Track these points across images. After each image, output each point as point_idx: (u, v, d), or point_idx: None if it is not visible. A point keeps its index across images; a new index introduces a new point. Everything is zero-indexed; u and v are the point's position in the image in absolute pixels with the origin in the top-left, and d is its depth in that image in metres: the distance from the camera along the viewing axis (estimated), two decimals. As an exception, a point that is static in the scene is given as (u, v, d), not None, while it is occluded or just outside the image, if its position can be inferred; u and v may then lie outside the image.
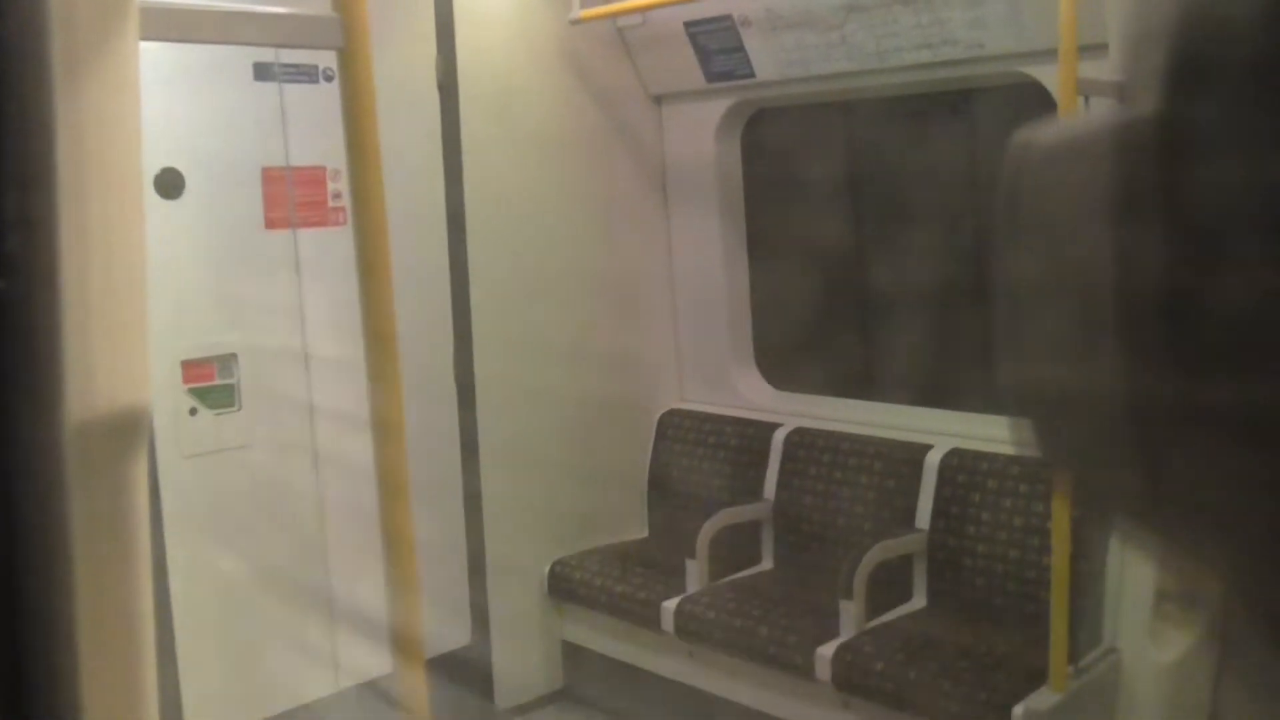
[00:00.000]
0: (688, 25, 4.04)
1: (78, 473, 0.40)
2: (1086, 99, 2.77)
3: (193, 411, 3.36)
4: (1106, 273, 0.48)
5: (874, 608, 3.51)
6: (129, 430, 0.46)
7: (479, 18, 3.87)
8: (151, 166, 3.19)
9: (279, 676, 3.54)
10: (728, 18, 3.93)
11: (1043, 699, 2.97)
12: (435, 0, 3.79)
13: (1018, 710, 2.96)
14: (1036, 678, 3.03)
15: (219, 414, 3.40)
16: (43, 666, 0.38)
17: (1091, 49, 2.81)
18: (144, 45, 0.58)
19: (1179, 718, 3.23)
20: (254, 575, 3.50)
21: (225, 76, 3.35)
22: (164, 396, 3.26)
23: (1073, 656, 3.00)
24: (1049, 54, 2.93)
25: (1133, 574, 3.25)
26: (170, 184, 3.24)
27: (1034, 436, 0.62)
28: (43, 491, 0.38)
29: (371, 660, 3.35)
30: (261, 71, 3.40)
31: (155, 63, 2.93)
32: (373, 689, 3.49)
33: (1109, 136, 0.50)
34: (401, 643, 1.55)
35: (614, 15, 4.03)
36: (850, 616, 3.39)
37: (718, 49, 4.05)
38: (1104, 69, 2.92)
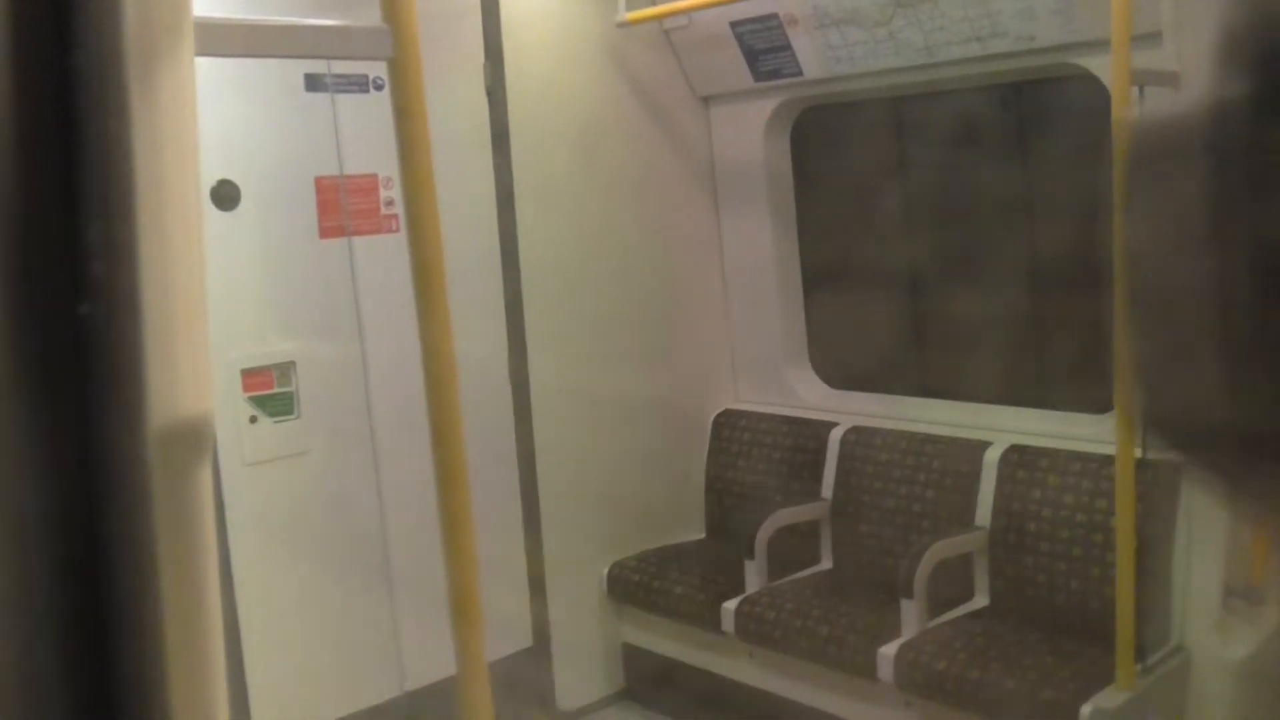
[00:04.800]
0: (734, 25, 4.04)
1: (154, 483, 0.41)
2: (1141, 89, 2.73)
3: (253, 420, 3.40)
4: (1222, 240, 0.49)
5: (935, 607, 3.49)
6: (195, 440, 0.47)
7: (526, 23, 3.89)
8: (208, 179, 3.24)
9: (342, 679, 3.58)
10: (774, 16, 3.92)
11: (1110, 698, 2.93)
12: (482, 7, 3.81)
13: (1085, 709, 2.92)
14: (1103, 677, 2.99)
15: (278, 422, 3.45)
16: (132, 674, 0.39)
17: (1144, 38, 2.77)
18: (198, 60, 0.59)
19: (1249, 716, 3.18)
20: (316, 579, 3.54)
21: (277, 88, 3.39)
22: (224, 405, 3.31)
23: (1140, 655, 2.95)
24: (1101, 44, 2.89)
25: (1200, 570, 3.20)
26: (226, 196, 3.29)
27: (1149, 403, 0.63)
28: (128, 504, 0.40)
29: (434, 663, 3.37)
30: (313, 82, 3.44)
31: (208, 76, 2.97)
32: (436, 691, 3.51)
33: (1208, 114, 0.51)
34: (463, 645, 1.56)
35: (660, 17, 4.04)
36: (911, 616, 3.37)
37: (764, 48, 4.04)
38: (1158, 58, 2.88)
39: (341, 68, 3.47)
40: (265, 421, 3.42)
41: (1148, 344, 0.65)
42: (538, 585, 4.07)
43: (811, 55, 3.94)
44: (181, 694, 0.44)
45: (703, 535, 4.48)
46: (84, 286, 0.38)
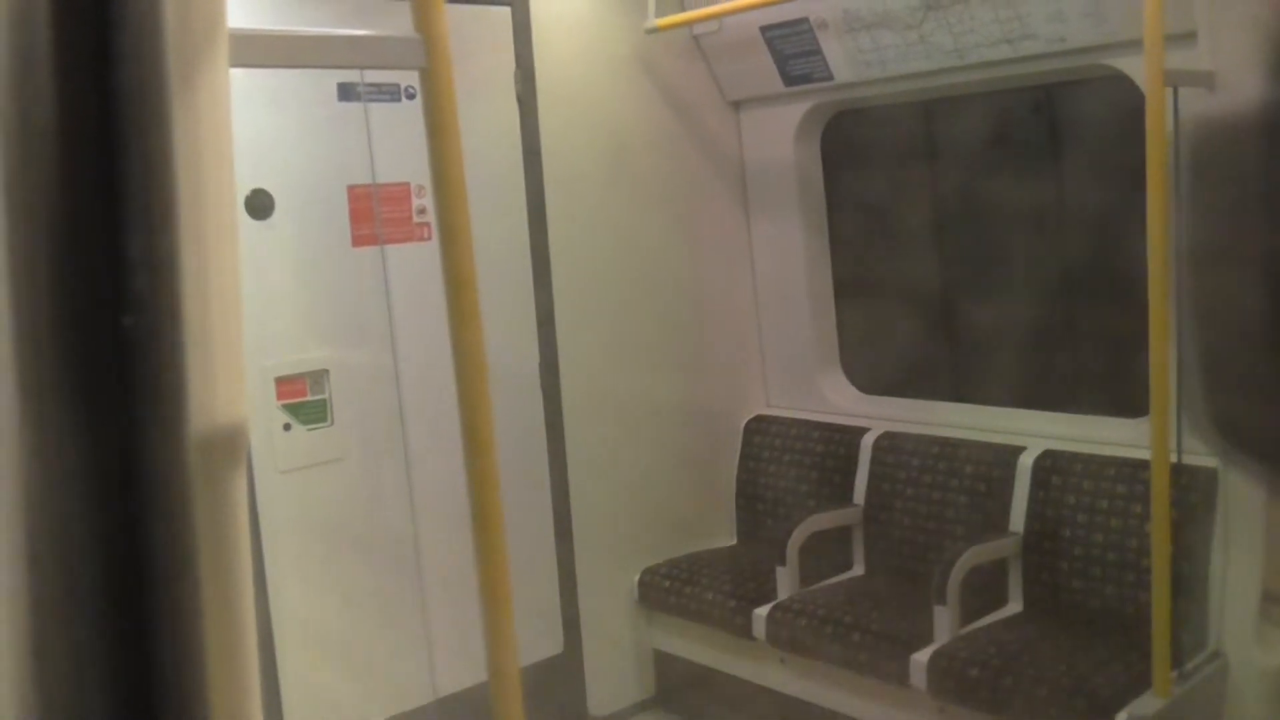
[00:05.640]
0: (764, 30, 4.04)
1: (193, 489, 0.41)
2: (1175, 90, 2.71)
3: (286, 427, 3.43)
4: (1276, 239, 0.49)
5: (968, 613, 3.46)
6: (231, 446, 0.48)
7: (556, 30, 3.91)
8: (242, 189, 3.27)
9: (376, 685, 3.59)
10: (804, 21, 3.91)
11: (1147, 705, 2.90)
12: (513, 14, 3.83)
13: (1121, 716, 2.90)
14: (1139, 683, 2.96)
15: (312, 429, 3.47)
16: (172, 675, 0.40)
17: (1177, 38, 2.74)
18: (232, 71, 0.59)
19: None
20: (349, 586, 3.56)
21: (310, 98, 3.42)
22: (258, 413, 3.33)
23: (1176, 661, 2.92)
24: (1134, 45, 2.87)
25: (1237, 576, 3.16)
26: (260, 205, 3.32)
27: (1208, 399, 0.62)
28: (167, 509, 0.40)
29: (466, 669, 3.38)
30: (345, 92, 3.47)
31: (242, 86, 3.00)
32: (467, 698, 3.53)
33: (1259, 119, 0.51)
34: (495, 652, 1.56)
35: (690, 23, 4.04)
36: (944, 622, 3.35)
37: (794, 52, 4.03)
38: (1192, 58, 2.85)
39: (374, 77, 3.49)
40: (299, 429, 3.45)
41: (1204, 342, 0.65)
42: (569, 591, 4.07)
43: (842, 59, 3.93)
44: (219, 696, 0.44)
45: (734, 541, 4.47)
46: (126, 297, 0.39)
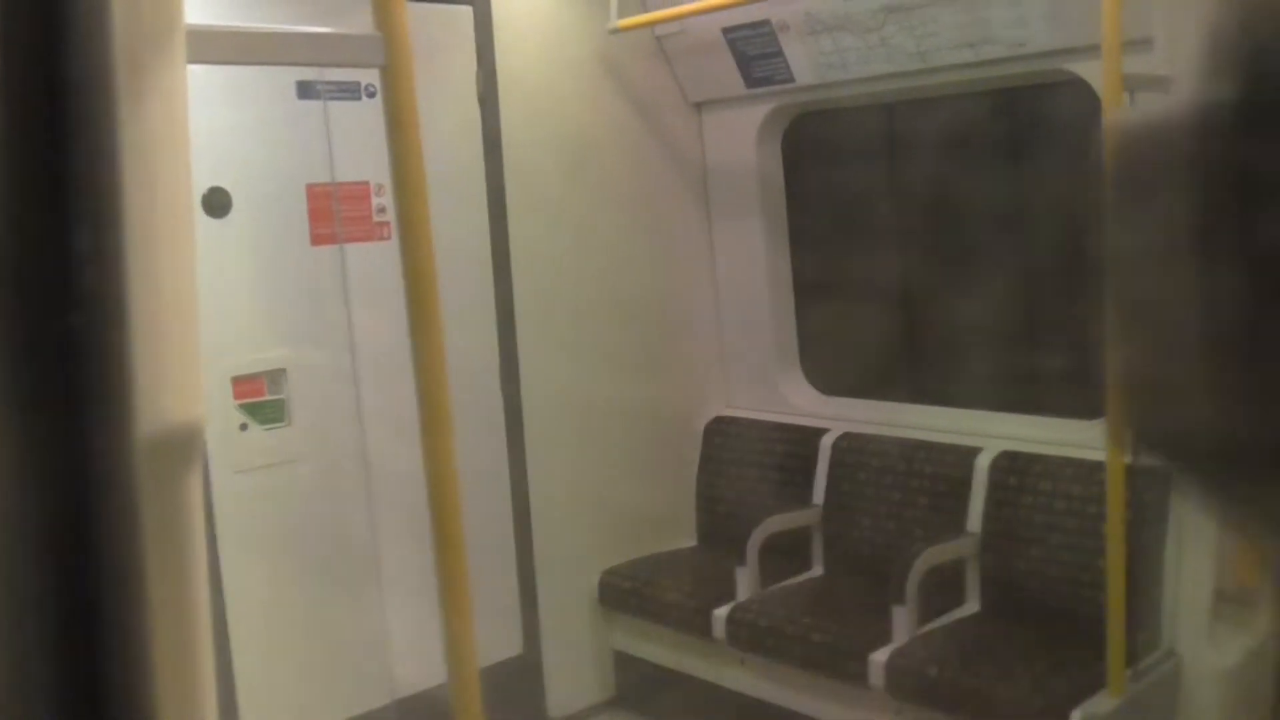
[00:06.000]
0: (726, 32, 4.05)
1: (143, 490, 0.41)
2: (1132, 94, 2.74)
3: (243, 427, 3.39)
4: (1202, 244, 0.49)
5: (926, 613, 3.49)
6: (185, 447, 0.47)
7: (517, 30, 3.90)
8: (199, 186, 3.23)
9: (333, 687, 3.57)
10: (766, 23, 3.92)
11: (1101, 703, 2.93)
12: (475, 14, 3.82)
13: (1075, 715, 2.93)
14: (1094, 682, 2.99)
15: (269, 429, 3.44)
16: (120, 680, 0.39)
17: (1134, 44, 2.78)
18: (190, 67, 0.59)
19: (1241, 721, 3.18)
20: (306, 587, 3.53)
21: (269, 95, 3.39)
22: (215, 413, 3.30)
23: (1131, 660, 2.96)
24: (1092, 50, 2.90)
25: (1190, 576, 3.20)
26: (218, 203, 3.29)
27: (1135, 413, 0.62)
28: (115, 511, 0.40)
29: (425, 670, 3.36)
30: (304, 90, 3.44)
31: (200, 83, 2.97)
32: (426, 699, 3.51)
33: (1193, 119, 0.51)
34: (454, 652, 1.55)
35: (652, 24, 4.04)
36: (902, 622, 3.37)
37: (757, 54, 4.04)
38: (1149, 63, 2.89)
39: (334, 75, 3.47)
40: (256, 429, 3.42)
41: (1132, 353, 0.65)
42: (529, 592, 4.06)
43: (804, 61, 3.95)
44: (171, 700, 0.44)
45: (694, 542, 4.48)
46: (72, 294, 0.38)
